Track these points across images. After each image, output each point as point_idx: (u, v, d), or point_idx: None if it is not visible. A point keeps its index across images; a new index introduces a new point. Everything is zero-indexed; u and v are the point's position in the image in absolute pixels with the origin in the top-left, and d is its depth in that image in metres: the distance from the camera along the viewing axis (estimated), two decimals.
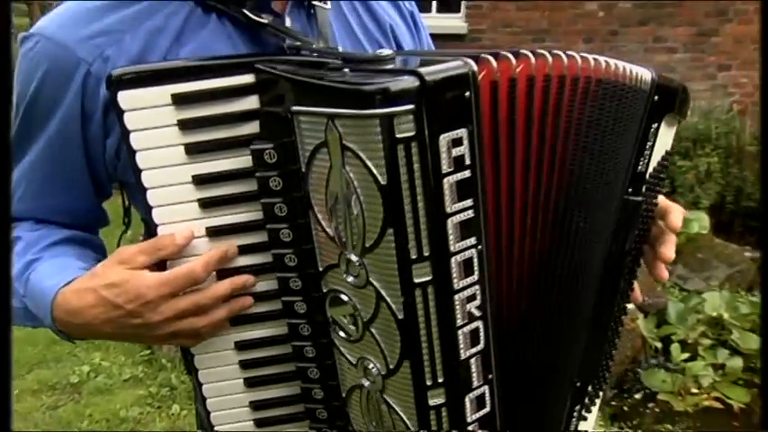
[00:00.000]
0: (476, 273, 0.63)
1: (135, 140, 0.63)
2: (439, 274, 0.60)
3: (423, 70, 0.56)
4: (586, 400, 0.86)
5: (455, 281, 0.61)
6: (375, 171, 0.57)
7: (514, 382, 0.71)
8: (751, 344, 2.89)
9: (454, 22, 5.27)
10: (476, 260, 0.62)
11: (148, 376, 2.80)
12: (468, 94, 0.57)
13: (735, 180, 4.26)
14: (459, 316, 0.62)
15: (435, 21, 5.30)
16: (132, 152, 0.63)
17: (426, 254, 0.59)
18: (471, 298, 0.63)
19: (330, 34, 0.78)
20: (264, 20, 0.71)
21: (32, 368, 2.97)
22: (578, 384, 0.81)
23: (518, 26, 5.02)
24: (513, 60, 0.61)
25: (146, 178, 0.64)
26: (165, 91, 0.62)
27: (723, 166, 4.25)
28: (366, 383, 0.67)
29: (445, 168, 0.58)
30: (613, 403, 2.61)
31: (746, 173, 4.25)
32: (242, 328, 0.69)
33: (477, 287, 0.63)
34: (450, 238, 0.60)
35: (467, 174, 0.59)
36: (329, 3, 0.79)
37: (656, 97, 0.74)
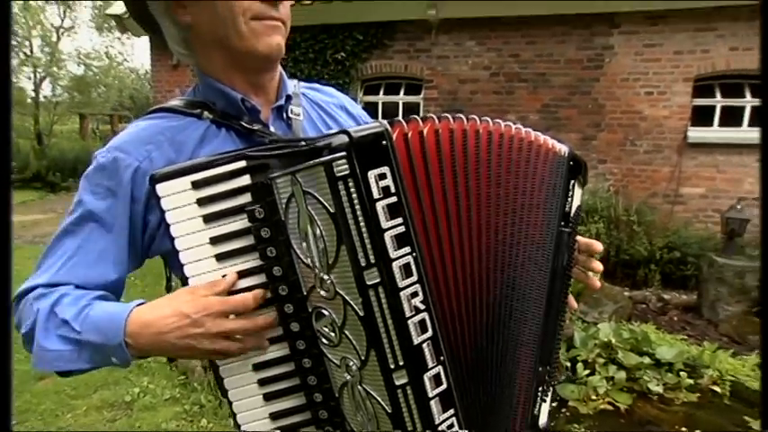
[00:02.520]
0: (414, 274, 0.62)
1: (170, 217, 0.65)
2: (385, 276, 0.60)
3: (350, 129, 0.60)
4: (545, 385, 0.79)
5: (399, 281, 0.61)
6: (326, 203, 0.59)
7: (464, 363, 0.68)
8: (631, 360, 2.93)
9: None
10: (413, 264, 0.62)
11: (183, 396, 2.81)
12: (384, 142, 0.60)
13: (615, 240, 4.37)
14: (407, 309, 0.61)
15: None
16: (167, 226, 0.65)
17: (373, 261, 0.59)
18: (414, 294, 0.62)
19: (303, 134, 0.80)
20: (255, 127, 0.74)
21: (97, 389, 2.96)
22: (540, 369, 0.76)
23: None
24: (421, 122, 0.65)
25: (178, 243, 0.65)
26: (187, 180, 0.65)
27: (606, 230, 4.35)
28: (349, 378, 0.65)
29: (376, 195, 0.59)
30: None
31: (622, 235, 4.38)
32: (258, 352, 0.67)
33: (417, 285, 0.62)
34: (390, 247, 0.60)
35: (393, 199, 0.60)
36: (302, 114, 0.82)
37: (571, 162, 0.75)
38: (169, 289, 0.77)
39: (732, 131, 4.67)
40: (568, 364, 2.99)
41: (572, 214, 0.77)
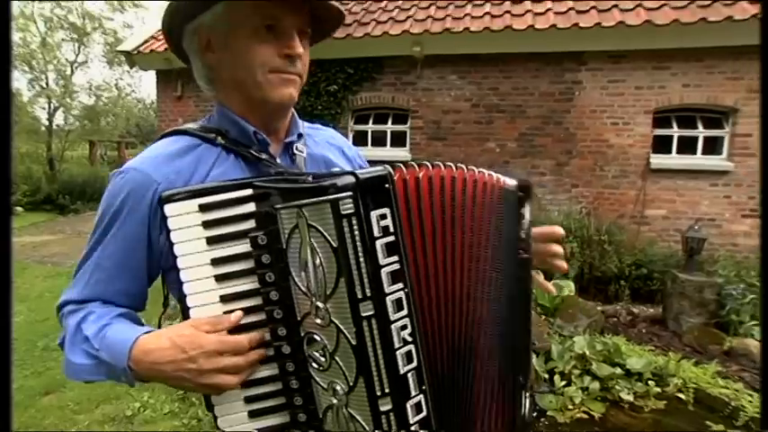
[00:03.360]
0: (405, 308, 0.62)
1: (174, 236, 0.64)
2: (379, 309, 0.60)
3: (357, 172, 0.60)
4: (530, 390, 0.79)
5: (391, 314, 0.60)
6: (329, 238, 0.58)
7: (441, 391, 0.67)
8: (604, 371, 2.89)
9: (402, 153, 5.40)
10: (404, 299, 0.62)
11: (182, 410, 2.75)
12: (387, 185, 0.60)
13: (587, 258, 4.39)
14: (396, 340, 0.61)
15: (389, 152, 5.46)
16: (171, 244, 0.64)
17: (369, 294, 0.59)
18: (404, 327, 0.62)
19: (304, 169, 0.80)
20: (263, 156, 0.74)
21: (99, 404, 2.88)
22: (522, 380, 0.76)
23: (444, 157, 5.06)
24: (417, 168, 0.65)
25: (180, 261, 0.64)
26: (195, 203, 0.65)
27: (580, 249, 4.37)
28: (335, 401, 0.63)
29: (376, 234, 0.59)
30: None
31: (594, 253, 4.40)
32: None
33: (407, 319, 0.62)
34: (385, 283, 0.60)
35: (392, 238, 0.61)
36: (305, 151, 0.82)
37: (520, 193, 0.75)
38: (166, 307, 0.76)
39: (688, 158, 4.77)
40: (546, 376, 2.96)
41: (527, 237, 0.77)
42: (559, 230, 0.84)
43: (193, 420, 2.67)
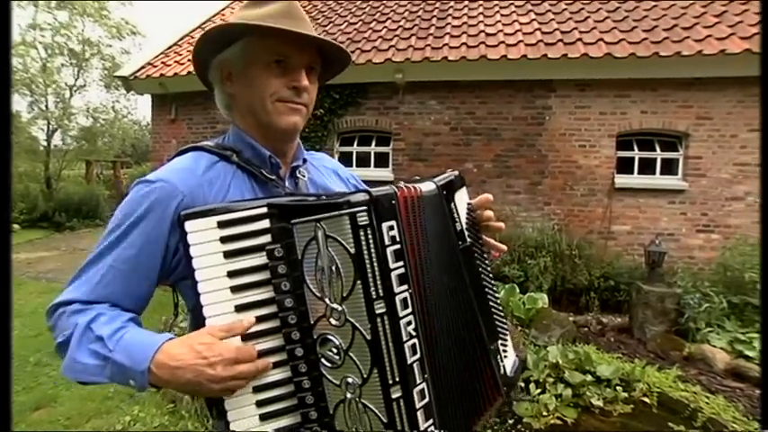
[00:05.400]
0: (410, 306, 0.65)
1: (194, 251, 0.65)
2: (390, 307, 0.63)
3: (371, 190, 0.64)
4: (501, 350, 0.85)
5: (399, 311, 0.64)
6: (347, 246, 0.62)
7: (438, 378, 0.70)
8: (576, 378, 2.93)
9: (385, 174, 5.43)
10: (409, 299, 0.65)
11: (172, 423, 2.67)
12: (393, 201, 0.65)
13: (560, 271, 4.45)
14: (404, 334, 0.64)
15: (373, 172, 5.48)
16: (189, 258, 0.65)
17: (382, 294, 0.63)
18: (409, 323, 0.65)
19: (306, 190, 0.85)
20: (272, 177, 0.79)
21: (90, 418, 2.79)
22: (493, 347, 0.82)
23: (425, 177, 5.36)
24: (412, 188, 0.72)
25: (198, 274, 0.65)
26: (213, 220, 0.66)
27: (553, 263, 4.43)
28: (349, 395, 0.65)
29: (387, 242, 0.63)
30: (495, 427, 2.57)
31: (566, 267, 4.46)
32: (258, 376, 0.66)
33: (411, 316, 0.66)
34: (394, 284, 0.64)
35: (398, 246, 0.65)
36: (306, 176, 0.86)
37: (444, 191, 0.80)
38: (176, 315, 0.78)
39: (648, 178, 4.91)
40: (523, 385, 2.98)
41: (464, 226, 0.83)
42: (487, 196, 0.91)
43: None
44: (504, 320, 0.90)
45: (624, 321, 4.22)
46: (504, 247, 0.93)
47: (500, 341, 0.86)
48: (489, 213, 0.90)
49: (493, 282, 0.90)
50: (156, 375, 0.62)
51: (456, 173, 0.86)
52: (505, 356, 0.86)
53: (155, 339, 0.64)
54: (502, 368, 0.84)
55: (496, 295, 0.90)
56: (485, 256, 0.89)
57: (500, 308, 0.90)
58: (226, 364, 0.61)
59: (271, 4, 0.77)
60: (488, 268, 0.90)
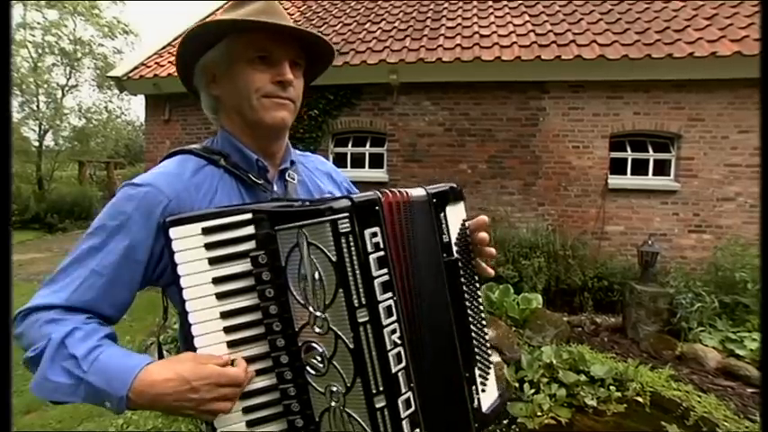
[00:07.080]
0: (394, 314, 0.64)
1: (178, 257, 0.64)
2: (373, 315, 0.62)
3: (353, 195, 0.63)
4: (479, 382, 0.81)
5: (383, 320, 0.63)
6: (329, 254, 0.60)
7: (424, 388, 0.69)
8: (570, 378, 2.95)
9: (380, 175, 5.41)
10: (393, 306, 0.64)
11: (165, 426, 2.65)
12: (377, 207, 0.64)
13: (554, 272, 4.45)
14: (388, 343, 0.63)
15: (367, 173, 5.46)
16: (175, 265, 0.64)
17: (364, 302, 0.61)
18: (393, 331, 0.64)
19: (296, 194, 0.83)
20: (260, 181, 0.78)
21: (82, 421, 2.76)
22: (468, 375, 0.78)
23: (419, 178, 5.22)
24: (398, 193, 0.71)
25: (183, 281, 0.64)
26: (198, 226, 0.64)
27: (547, 263, 4.43)
28: (333, 404, 0.64)
29: (369, 249, 0.62)
30: (490, 428, 2.55)
31: (560, 267, 4.47)
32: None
33: (396, 324, 0.64)
34: (377, 292, 0.62)
35: (382, 253, 0.63)
36: (296, 178, 0.85)
37: (434, 200, 0.78)
38: (166, 319, 0.76)
39: (641, 179, 4.94)
40: (517, 385, 2.98)
41: (453, 241, 0.79)
42: (484, 218, 0.87)
43: None
44: (489, 353, 0.86)
45: (617, 321, 4.23)
46: (492, 272, 0.89)
47: (478, 371, 0.82)
48: (484, 236, 0.87)
49: (481, 307, 0.85)
50: (134, 402, 0.59)
51: (454, 185, 0.84)
52: (483, 390, 0.82)
53: (132, 363, 0.61)
54: (476, 401, 0.79)
55: (483, 322, 0.85)
56: (475, 278, 0.86)
57: (485, 336, 0.85)
58: (210, 387, 0.60)
59: (251, 4, 0.78)
60: (477, 292, 0.85)
